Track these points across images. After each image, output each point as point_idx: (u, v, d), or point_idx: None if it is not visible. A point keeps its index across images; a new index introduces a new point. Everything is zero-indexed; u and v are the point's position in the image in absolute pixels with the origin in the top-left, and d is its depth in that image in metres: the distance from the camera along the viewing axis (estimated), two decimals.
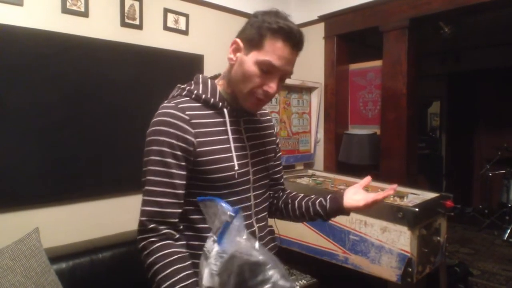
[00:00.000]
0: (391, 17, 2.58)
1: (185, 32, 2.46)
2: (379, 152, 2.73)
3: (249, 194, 1.08)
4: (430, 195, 2.15)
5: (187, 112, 0.97)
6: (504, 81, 5.45)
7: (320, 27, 3.01)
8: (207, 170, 0.98)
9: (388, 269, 1.89)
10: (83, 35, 1.99)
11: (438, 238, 2.04)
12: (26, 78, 1.80)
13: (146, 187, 0.95)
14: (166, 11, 2.35)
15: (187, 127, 0.96)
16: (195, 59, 2.49)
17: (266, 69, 0.96)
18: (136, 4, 2.19)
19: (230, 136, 1.03)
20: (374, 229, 1.96)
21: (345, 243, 2.08)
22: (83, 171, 2.00)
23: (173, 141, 0.94)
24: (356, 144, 2.83)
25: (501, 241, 4.42)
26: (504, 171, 4.72)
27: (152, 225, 0.93)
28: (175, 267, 0.90)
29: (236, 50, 1.01)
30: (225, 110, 1.03)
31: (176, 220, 0.97)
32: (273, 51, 0.95)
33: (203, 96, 1.01)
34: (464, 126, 5.93)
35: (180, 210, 0.97)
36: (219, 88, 1.06)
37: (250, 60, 0.97)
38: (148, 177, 0.95)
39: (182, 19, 2.43)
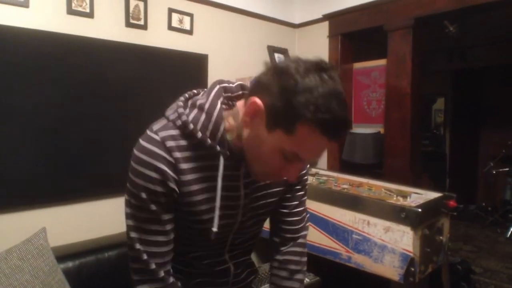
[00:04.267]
0: (396, 16, 2.57)
1: (189, 32, 2.46)
2: (383, 151, 2.74)
3: (226, 241, 0.97)
4: (433, 194, 2.16)
5: (173, 154, 0.81)
6: (510, 78, 5.42)
7: (325, 26, 3.01)
8: (190, 216, 0.88)
9: (390, 269, 1.91)
10: (88, 36, 2.00)
11: (441, 237, 2.05)
12: (31, 79, 1.82)
13: (135, 235, 0.85)
14: (171, 11, 2.35)
15: (170, 172, 0.80)
16: (199, 58, 2.50)
17: (290, 159, 0.77)
18: (141, 4, 2.19)
19: (219, 192, 0.85)
20: (377, 229, 1.97)
21: (348, 242, 2.10)
22: (89, 170, 2.02)
23: (156, 187, 0.81)
24: (360, 143, 2.84)
25: (504, 239, 4.43)
26: (508, 169, 4.73)
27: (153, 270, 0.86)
28: None
29: (255, 114, 0.77)
30: (221, 158, 0.84)
31: (169, 265, 0.90)
32: (305, 143, 0.73)
33: (199, 135, 0.82)
34: (468, 123, 5.91)
35: (171, 253, 0.90)
36: (225, 126, 0.84)
37: (271, 143, 0.76)
38: (133, 223, 0.85)
39: (187, 19, 2.44)
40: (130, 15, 2.16)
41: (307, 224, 1.15)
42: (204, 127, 0.82)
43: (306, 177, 1.09)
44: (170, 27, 2.37)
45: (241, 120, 0.82)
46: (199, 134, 0.82)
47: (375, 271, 1.98)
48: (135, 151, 0.82)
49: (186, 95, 0.91)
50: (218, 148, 0.83)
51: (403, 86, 2.58)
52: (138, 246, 0.84)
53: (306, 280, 2.31)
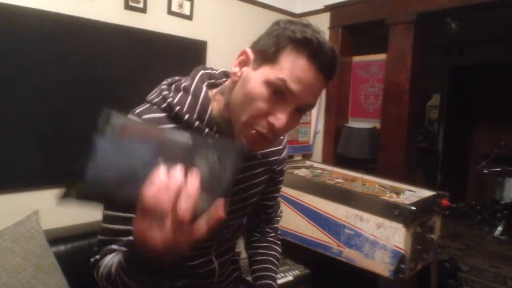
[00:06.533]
0: (399, 10, 2.55)
1: (189, 17, 2.42)
2: (378, 146, 2.74)
3: (213, 238, 0.92)
4: (426, 192, 2.17)
5: None
6: (507, 77, 5.43)
7: (326, 17, 2.98)
8: None
9: (381, 264, 1.92)
10: (85, 17, 1.95)
11: (432, 235, 2.07)
12: (26, 61, 1.78)
13: (104, 224, 0.79)
14: None
15: None
16: (198, 45, 2.46)
17: (278, 92, 0.69)
18: None
19: None
20: (370, 225, 1.98)
21: (340, 237, 2.11)
22: (83, 153, 2.00)
23: None
24: (355, 138, 2.84)
25: (491, 238, 4.49)
26: (500, 169, 4.74)
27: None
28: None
29: (243, 62, 0.76)
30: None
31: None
32: (291, 69, 0.68)
33: (186, 116, 0.77)
34: (463, 121, 5.93)
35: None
36: (213, 106, 0.81)
37: (258, 77, 0.71)
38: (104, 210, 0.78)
39: (187, 4, 2.39)
40: None
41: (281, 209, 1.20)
42: (191, 108, 0.79)
43: (285, 167, 1.09)
44: (170, 12, 2.32)
45: (230, 79, 0.79)
46: (186, 116, 0.78)
47: (365, 266, 2.00)
48: None
49: (169, 79, 0.89)
50: (206, 130, 0.78)
51: (402, 81, 2.57)
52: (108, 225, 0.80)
53: (297, 272, 2.33)
